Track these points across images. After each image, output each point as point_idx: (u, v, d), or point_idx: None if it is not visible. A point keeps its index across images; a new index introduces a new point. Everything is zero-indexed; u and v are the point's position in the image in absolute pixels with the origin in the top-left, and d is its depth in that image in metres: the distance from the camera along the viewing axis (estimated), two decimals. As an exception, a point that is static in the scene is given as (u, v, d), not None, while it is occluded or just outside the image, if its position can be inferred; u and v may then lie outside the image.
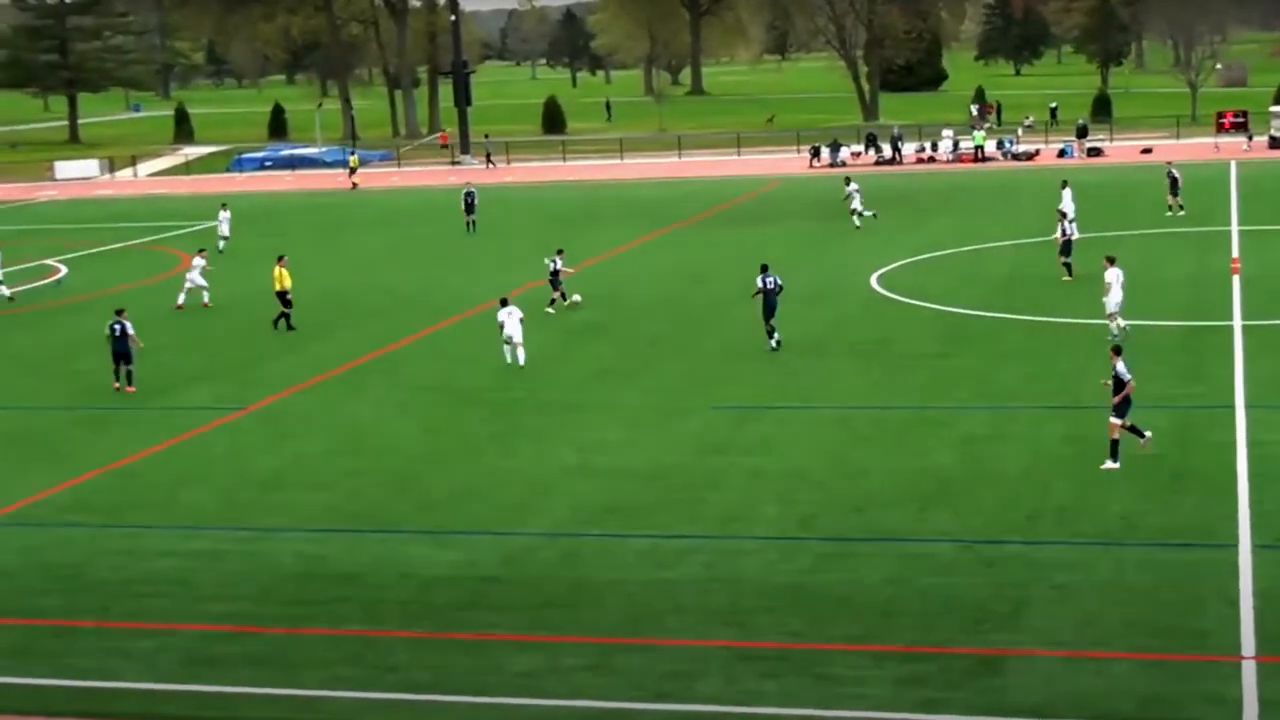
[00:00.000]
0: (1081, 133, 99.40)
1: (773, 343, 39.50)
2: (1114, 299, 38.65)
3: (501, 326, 39.11)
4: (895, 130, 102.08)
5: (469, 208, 71.01)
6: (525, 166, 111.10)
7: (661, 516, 26.59)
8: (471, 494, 28.53)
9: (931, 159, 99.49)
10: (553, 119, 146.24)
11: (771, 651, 20.48)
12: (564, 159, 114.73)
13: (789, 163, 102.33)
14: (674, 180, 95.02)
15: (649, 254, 61.46)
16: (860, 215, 64.59)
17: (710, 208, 76.51)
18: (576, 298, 46.49)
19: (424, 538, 26.00)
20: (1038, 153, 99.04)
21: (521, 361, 38.68)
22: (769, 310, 39.90)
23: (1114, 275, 38.68)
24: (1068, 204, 54.81)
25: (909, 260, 55.18)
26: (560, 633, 21.50)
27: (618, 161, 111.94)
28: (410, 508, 27.81)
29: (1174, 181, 64.46)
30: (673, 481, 28.64)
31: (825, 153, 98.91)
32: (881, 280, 50.77)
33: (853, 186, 65.83)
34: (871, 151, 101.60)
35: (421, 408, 35.65)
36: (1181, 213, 63.45)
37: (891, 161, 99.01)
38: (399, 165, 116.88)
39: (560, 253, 47.12)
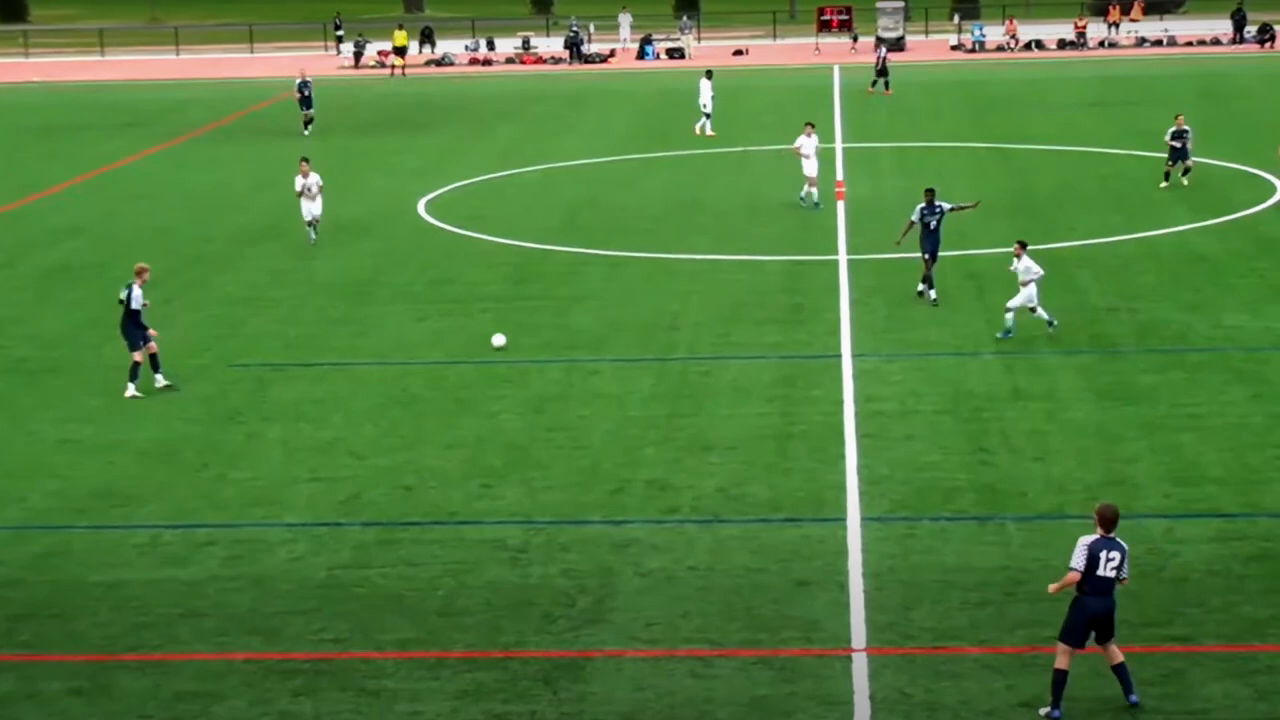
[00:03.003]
0: (646, 40, 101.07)
1: None
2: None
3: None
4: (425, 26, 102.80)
5: (305, 100, 68.75)
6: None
7: (168, 502, 26.14)
8: (-79, 479, 27.46)
9: (487, 61, 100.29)
10: (11, 4, 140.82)
11: (306, 664, 20.42)
12: (26, 54, 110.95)
13: (318, 61, 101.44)
14: (172, 83, 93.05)
15: (144, 175, 60.06)
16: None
17: (221, 118, 75.26)
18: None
19: None
20: (612, 54, 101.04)
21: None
22: None
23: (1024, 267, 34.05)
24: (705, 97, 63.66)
25: (464, 183, 55.56)
26: (39, 650, 20.94)
27: (98, 59, 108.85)
28: None
29: (882, 63, 78.69)
30: (181, 458, 28.18)
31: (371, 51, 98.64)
32: (432, 207, 50.98)
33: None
34: (426, 48, 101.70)
35: None
36: (887, 93, 76.55)
37: (441, 62, 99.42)
38: None
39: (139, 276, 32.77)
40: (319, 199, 45.32)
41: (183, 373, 32.96)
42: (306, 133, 68.17)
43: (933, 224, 36.84)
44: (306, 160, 45.87)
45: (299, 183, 45.26)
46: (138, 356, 31.79)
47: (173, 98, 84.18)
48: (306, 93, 68.61)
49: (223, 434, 29.46)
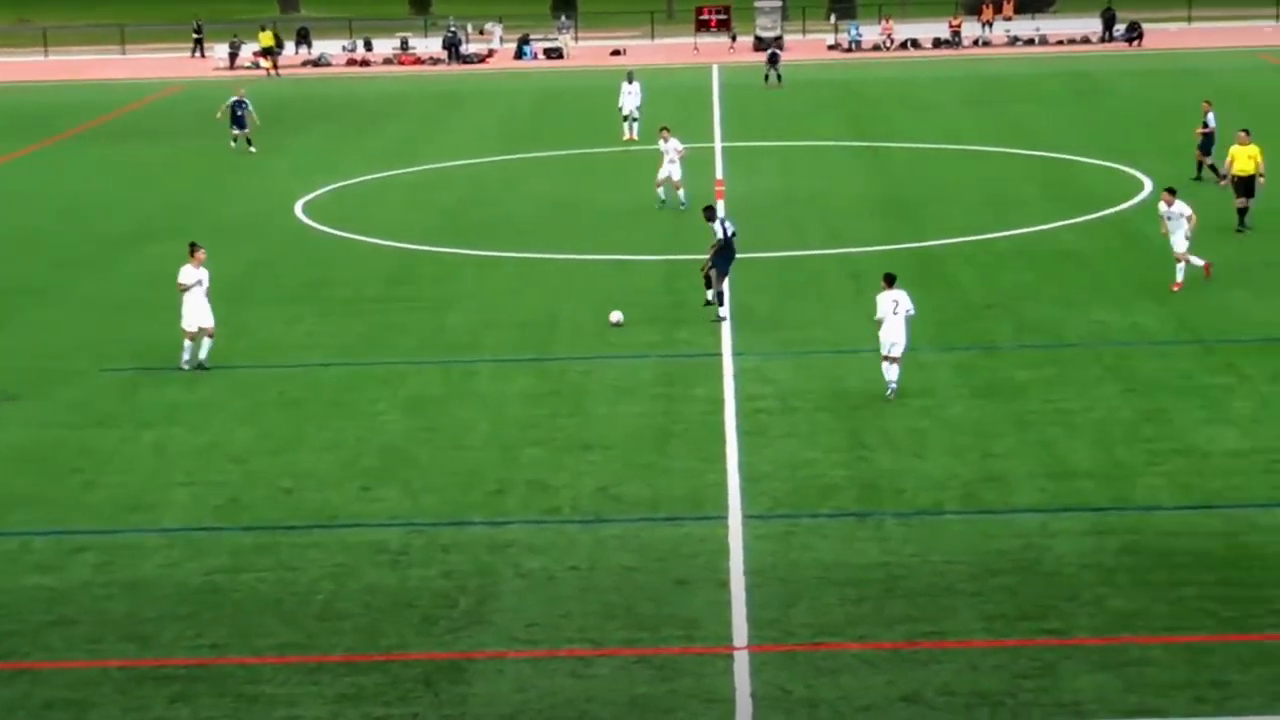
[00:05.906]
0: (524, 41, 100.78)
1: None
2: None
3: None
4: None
5: (237, 121, 62.38)
6: None
7: (37, 508, 25.83)
8: None
9: (365, 61, 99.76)
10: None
11: (182, 670, 20.23)
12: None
13: (191, 64, 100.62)
14: (39, 84, 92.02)
15: (8, 180, 59.33)
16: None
17: (88, 120, 74.45)
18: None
19: None
20: (491, 54, 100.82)
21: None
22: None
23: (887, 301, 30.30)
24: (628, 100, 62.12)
25: (340, 185, 55.25)
26: (-94, 662, 20.68)
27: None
28: None
29: (774, 58, 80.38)
30: (51, 464, 27.84)
31: (245, 52, 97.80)
32: (309, 209, 50.67)
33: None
34: (302, 49, 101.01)
35: None
36: (779, 85, 78.97)
37: (318, 62, 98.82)
38: None
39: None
40: (209, 305, 33.47)
41: (48, 378, 32.51)
42: (253, 150, 62.07)
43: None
44: (198, 247, 34.11)
45: (189, 274, 33.31)
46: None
47: (38, 101, 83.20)
48: (240, 112, 62.24)
49: (92, 439, 29.12)
